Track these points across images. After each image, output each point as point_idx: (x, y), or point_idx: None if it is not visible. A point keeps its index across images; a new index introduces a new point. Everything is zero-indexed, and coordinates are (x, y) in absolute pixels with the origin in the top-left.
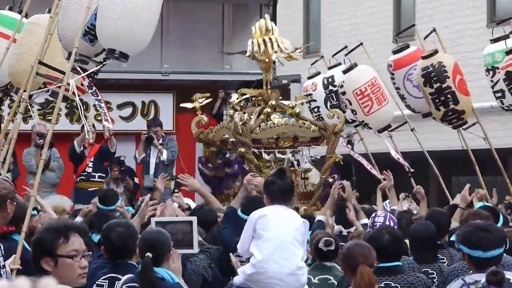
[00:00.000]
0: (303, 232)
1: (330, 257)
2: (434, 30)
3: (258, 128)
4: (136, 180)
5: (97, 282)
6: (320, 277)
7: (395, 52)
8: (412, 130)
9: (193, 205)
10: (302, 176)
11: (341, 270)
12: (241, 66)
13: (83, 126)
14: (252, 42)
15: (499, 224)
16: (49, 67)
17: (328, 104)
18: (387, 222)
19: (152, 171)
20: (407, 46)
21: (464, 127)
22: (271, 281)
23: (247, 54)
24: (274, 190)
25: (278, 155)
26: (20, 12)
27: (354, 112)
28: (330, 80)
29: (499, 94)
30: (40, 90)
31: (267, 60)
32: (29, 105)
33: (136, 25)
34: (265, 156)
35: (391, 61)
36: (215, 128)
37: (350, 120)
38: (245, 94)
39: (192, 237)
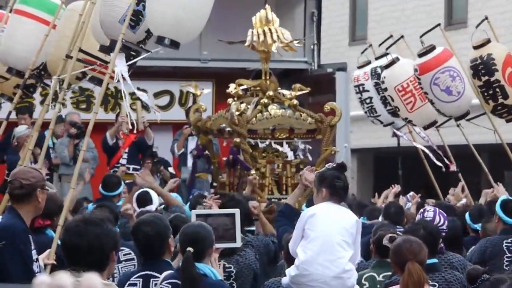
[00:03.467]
0: (354, 232)
1: None
2: (486, 18)
3: (254, 118)
4: (171, 170)
5: (129, 281)
6: (385, 274)
7: (420, 55)
8: (458, 126)
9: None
10: (297, 167)
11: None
12: (285, 53)
13: (117, 115)
14: (252, 32)
15: None
16: (88, 54)
17: (377, 95)
18: (437, 217)
19: (190, 163)
20: (433, 48)
21: None
22: (314, 284)
23: (246, 44)
24: (339, 186)
25: (275, 146)
26: None
27: (397, 109)
28: (378, 70)
29: None
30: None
31: (266, 50)
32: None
33: (188, 13)
34: (260, 146)
35: (417, 65)
36: (213, 117)
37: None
38: (243, 85)
39: (235, 230)
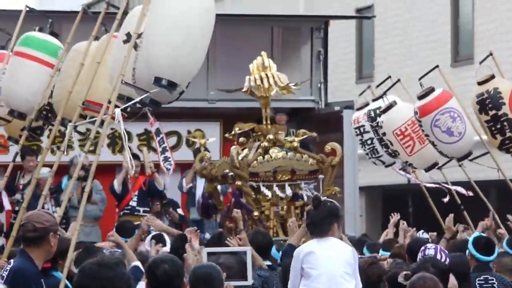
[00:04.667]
0: (353, 263)
1: None
2: (491, 54)
3: (255, 161)
4: (180, 211)
5: None
6: None
7: (420, 98)
8: (460, 165)
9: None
10: (301, 209)
11: None
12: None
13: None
14: (249, 78)
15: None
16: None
17: (376, 137)
18: (439, 255)
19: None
20: (432, 90)
21: None
22: None
23: (244, 90)
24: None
25: (275, 189)
26: (51, 33)
27: (397, 153)
28: (376, 111)
29: None
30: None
31: (265, 95)
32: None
33: (184, 54)
34: (263, 190)
35: (417, 107)
36: (217, 163)
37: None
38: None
39: (246, 268)
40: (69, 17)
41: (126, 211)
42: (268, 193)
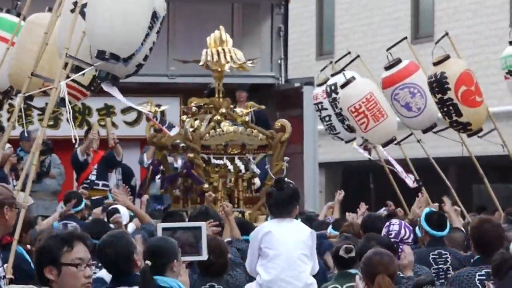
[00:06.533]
0: (310, 244)
1: (352, 264)
2: (447, 33)
3: (207, 134)
4: (134, 180)
5: None
6: (348, 285)
7: (386, 69)
8: (418, 141)
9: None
10: (249, 182)
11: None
12: (252, 68)
13: (86, 132)
14: (206, 52)
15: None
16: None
17: (333, 112)
18: (403, 230)
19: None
20: (399, 61)
21: (480, 134)
22: None
23: (201, 63)
24: (271, 203)
25: (226, 161)
26: (18, 15)
27: (353, 128)
28: (333, 88)
29: None
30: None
31: (219, 69)
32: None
33: (125, 26)
34: (213, 162)
35: (381, 79)
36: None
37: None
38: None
39: (201, 243)
40: None
41: (85, 185)
42: (218, 162)
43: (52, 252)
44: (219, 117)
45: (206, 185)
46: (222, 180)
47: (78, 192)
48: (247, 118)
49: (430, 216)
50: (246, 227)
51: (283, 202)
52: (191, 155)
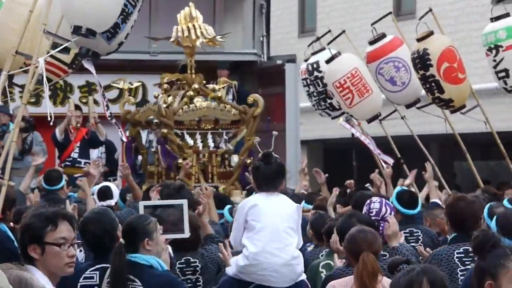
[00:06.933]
0: (296, 218)
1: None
2: (430, 10)
3: (181, 110)
4: (117, 154)
5: (84, 275)
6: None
7: (371, 43)
8: (402, 118)
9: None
10: (222, 157)
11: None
12: (234, 45)
13: (75, 108)
14: (177, 28)
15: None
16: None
17: (314, 90)
18: (383, 208)
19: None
20: (383, 36)
21: (463, 111)
22: (265, 273)
23: (172, 40)
24: (258, 177)
25: (197, 137)
26: None
27: (338, 104)
28: (315, 66)
29: (502, 74)
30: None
31: (191, 45)
32: (9, 87)
33: (100, 0)
34: (187, 137)
35: (366, 53)
36: (141, 109)
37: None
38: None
39: (183, 220)
40: None
41: (67, 162)
42: (191, 141)
43: (36, 231)
44: (192, 93)
45: (180, 161)
46: (196, 155)
47: (59, 169)
48: (219, 94)
49: (401, 195)
50: (223, 202)
51: (271, 176)
52: (165, 130)
